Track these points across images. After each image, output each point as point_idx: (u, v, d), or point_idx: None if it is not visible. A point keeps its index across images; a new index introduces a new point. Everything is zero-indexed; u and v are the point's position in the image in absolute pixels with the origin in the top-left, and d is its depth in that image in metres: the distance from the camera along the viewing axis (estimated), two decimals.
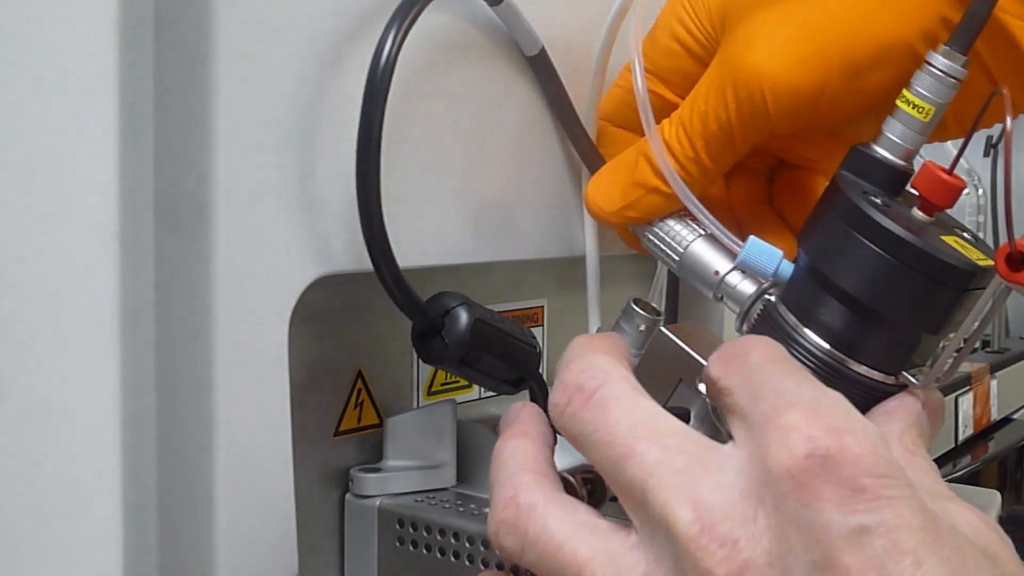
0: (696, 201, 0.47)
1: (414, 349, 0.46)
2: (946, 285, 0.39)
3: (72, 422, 0.39)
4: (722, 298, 0.46)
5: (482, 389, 0.59)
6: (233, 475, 0.41)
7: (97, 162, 0.38)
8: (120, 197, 0.38)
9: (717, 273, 0.46)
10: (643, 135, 0.48)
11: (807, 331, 0.41)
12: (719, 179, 0.50)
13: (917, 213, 0.41)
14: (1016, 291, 0.38)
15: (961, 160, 0.42)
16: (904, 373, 0.41)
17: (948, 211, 0.42)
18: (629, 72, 0.50)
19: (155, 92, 0.39)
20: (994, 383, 1.49)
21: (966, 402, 1.39)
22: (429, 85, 0.47)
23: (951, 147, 0.45)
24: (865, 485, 0.31)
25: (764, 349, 0.36)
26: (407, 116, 0.45)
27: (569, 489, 0.40)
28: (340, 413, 0.51)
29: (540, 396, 0.49)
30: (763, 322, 0.43)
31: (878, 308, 0.40)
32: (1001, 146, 0.37)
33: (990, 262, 0.39)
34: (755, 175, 0.53)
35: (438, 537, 0.47)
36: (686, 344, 0.44)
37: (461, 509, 0.48)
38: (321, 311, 0.48)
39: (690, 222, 0.48)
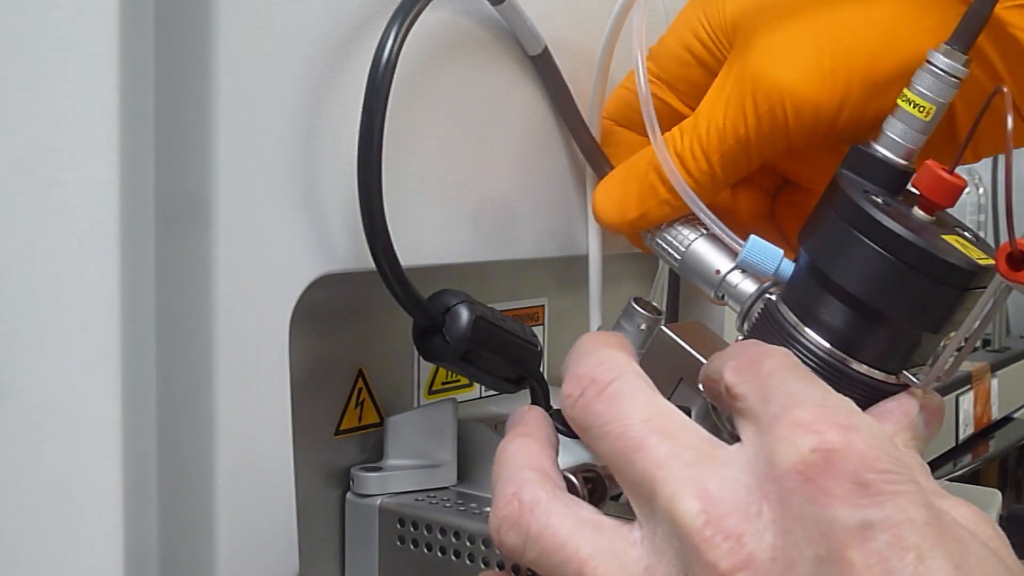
0: (705, 208, 0.47)
1: (415, 346, 0.46)
2: (947, 284, 0.39)
3: (73, 422, 0.39)
4: (723, 297, 0.46)
5: (483, 388, 0.59)
6: (234, 474, 0.41)
7: (98, 161, 0.38)
8: (121, 196, 0.38)
9: (718, 272, 0.46)
10: (647, 134, 0.48)
11: (808, 330, 0.41)
12: (727, 187, 0.50)
13: (918, 212, 0.41)
14: (1017, 290, 0.38)
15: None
16: (905, 372, 0.41)
17: (949, 210, 0.42)
18: None
19: (156, 91, 0.39)
20: (995, 382, 1.49)
21: (967, 401, 1.39)
22: (431, 84, 0.47)
23: None
24: (869, 480, 0.31)
25: (778, 358, 0.36)
26: (409, 115, 0.45)
27: (570, 488, 0.40)
28: (341, 412, 0.51)
29: (541, 395, 0.49)
30: (764, 321, 0.43)
31: (879, 307, 0.40)
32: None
33: (991, 261, 0.39)
34: (763, 192, 0.53)
35: (439, 536, 0.47)
36: (687, 343, 0.44)
37: (462, 508, 0.48)
38: (322, 310, 0.48)
39: (693, 222, 0.48)
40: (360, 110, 0.42)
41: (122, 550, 0.39)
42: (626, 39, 0.50)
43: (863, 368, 0.41)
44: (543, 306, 0.63)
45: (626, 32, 0.50)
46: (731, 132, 0.45)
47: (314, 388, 0.49)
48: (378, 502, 0.49)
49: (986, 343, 1.63)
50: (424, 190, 0.47)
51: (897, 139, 0.42)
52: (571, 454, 0.44)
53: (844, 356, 0.41)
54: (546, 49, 0.51)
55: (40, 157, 0.38)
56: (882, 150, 0.42)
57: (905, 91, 0.42)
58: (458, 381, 0.58)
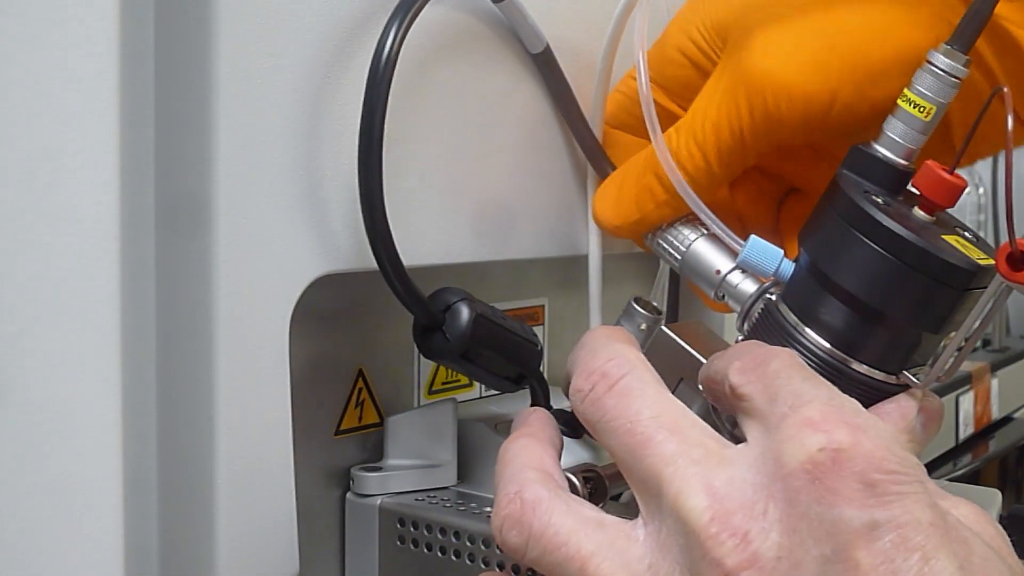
0: (704, 206, 0.47)
1: (416, 344, 0.46)
2: (947, 284, 0.39)
3: (73, 421, 0.39)
4: (723, 297, 0.46)
5: (483, 388, 0.59)
6: (234, 474, 0.41)
7: (98, 161, 0.38)
8: (121, 196, 0.38)
9: (718, 272, 0.46)
10: (645, 136, 0.48)
11: (808, 330, 0.41)
12: (724, 184, 0.50)
13: (918, 212, 0.41)
14: (1017, 290, 0.38)
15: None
16: (905, 372, 0.41)
17: (949, 210, 0.42)
18: (630, 78, 0.50)
19: (156, 91, 0.40)
20: (995, 382, 1.49)
21: (967, 401, 1.39)
22: (432, 82, 0.47)
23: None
24: (877, 480, 0.31)
25: (784, 358, 0.36)
26: (409, 113, 0.45)
27: (571, 488, 0.40)
28: (341, 412, 0.51)
29: (541, 394, 0.49)
30: (764, 321, 0.43)
31: (879, 307, 0.40)
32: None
33: (991, 261, 0.39)
34: (764, 193, 0.53)
35: (439, 536, 0.47)
36: (687, 343, 0.44)
37: (462, 508, 0.48)
38: (322, 310, 0.48)
39: (693, 222, 0.48)
40: (360, 108, 0.41)
41: (122, 550, 0.39)
42: (628, 38, 0.50)
43: (863, 368, 0.41)
44: (543, 306, 0.63)
45: (628, 31, 0.50)
46: (725, 126, 0.45)
47: (314, 388, 0.49)
48: (378, 502, 0.49)
49: (986, 343, 1.63)
50: (424, 190, 0.47)
51: (897, 139, 0.42)
52: (571, 454, 0.44)
53: (844, 356, 0.41)
54: (547, 47, 0.51)
55: (40, 157, 0.38)
56: (882, 150, 0.42)
57: (905, 91, 0.42)
58: (458, 381, 0.58)
